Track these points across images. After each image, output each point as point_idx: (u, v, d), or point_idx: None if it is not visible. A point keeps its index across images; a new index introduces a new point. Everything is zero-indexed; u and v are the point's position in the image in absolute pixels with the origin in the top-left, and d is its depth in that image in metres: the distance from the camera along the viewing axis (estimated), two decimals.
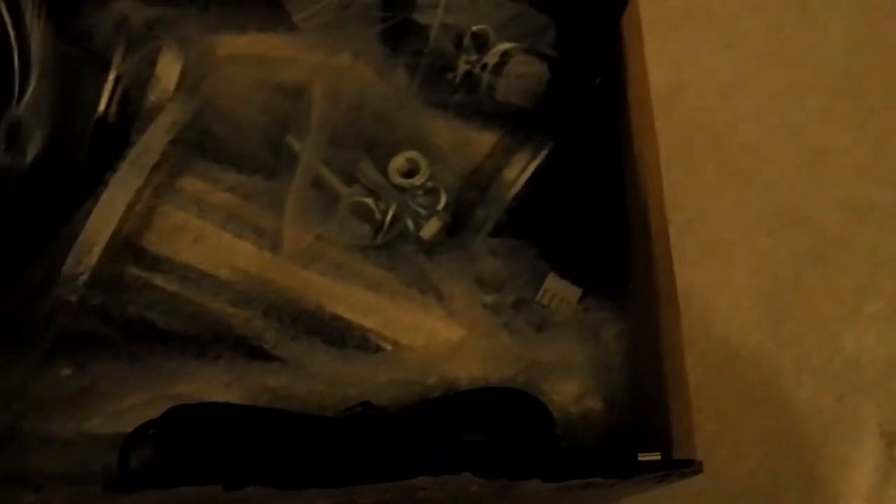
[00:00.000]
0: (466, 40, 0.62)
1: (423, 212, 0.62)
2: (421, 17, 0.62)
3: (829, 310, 0.83)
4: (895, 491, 0.78)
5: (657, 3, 0.65)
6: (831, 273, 0.84)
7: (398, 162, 0.63)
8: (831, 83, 0.93)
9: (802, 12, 0.95)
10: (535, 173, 0.65)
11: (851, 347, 0.82)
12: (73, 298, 0.56)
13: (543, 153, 0.65)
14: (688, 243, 0.63)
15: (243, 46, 0.67)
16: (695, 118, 0.88)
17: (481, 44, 0.63)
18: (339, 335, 0.60)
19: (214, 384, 0.58)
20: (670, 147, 0.60)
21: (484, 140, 0.66)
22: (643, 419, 0.60)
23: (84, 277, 0.56)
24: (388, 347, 0.60)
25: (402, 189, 0.62)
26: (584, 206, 0.64)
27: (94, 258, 0.56)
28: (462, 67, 0.62)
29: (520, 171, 0.65)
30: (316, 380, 0.58)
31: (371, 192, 0.62)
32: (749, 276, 0.83)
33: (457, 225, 0.65)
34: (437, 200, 0.63)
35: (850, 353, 0.82)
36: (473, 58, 0.62)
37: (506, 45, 0.63)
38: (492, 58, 0.62)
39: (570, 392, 0.60)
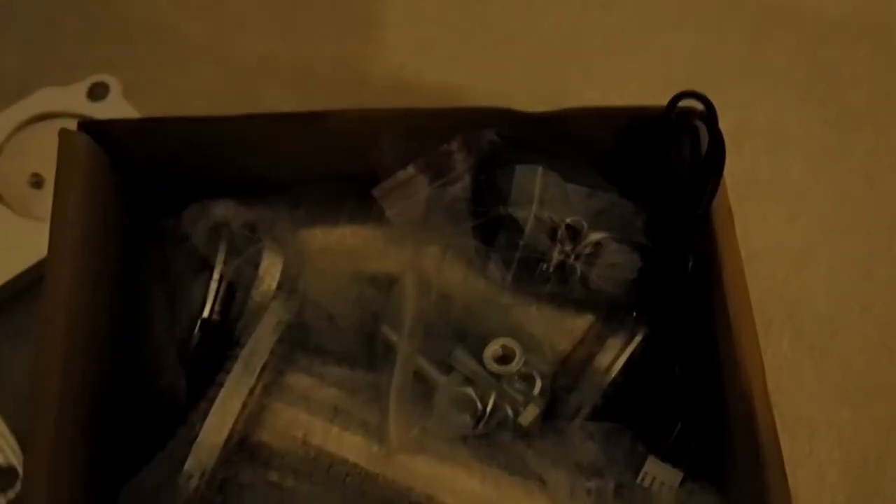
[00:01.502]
0: (561, 232, 0.66)
1: (520, 398, 0.65)
2: (515, 212, 0.65)
3: None
4: None
5: (727, 177, 0.68)
6: None
7: (493, 349, 0.67)
8: None
9: (867, 180, 0.99)
10: (629, 358, 0.68)
11: None
12: (193, 499, 0.59)
13: (637, 338, 0.69)
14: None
15: (335, 240, 0.72)
16: (768, 288, 0.91)
17: (575, 234, 0.66)
18: None
19: None
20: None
21: (577, 326, 0.70)
22: None
23: (204, 478, 0.59)
24: None
25: (498, 376, 0.66)
26: (681, 389, 0.66)
27: (212, 458, 0.59)
28: (556, 258, 0.66)
29: (614, 357, 0.69)
30: None
31: (467, 381, 0.65)
32: (833, 450, 0.85)
33: (552, 411, 0.69)
34: (533, 386, 0.66)
35: None
36: (567, 248, 0.65)
37: (598, 236, 0.66)
38: (585, 248, 0.66)
39: None
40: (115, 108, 0.92)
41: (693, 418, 0.66)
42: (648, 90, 0.84)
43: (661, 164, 0.69)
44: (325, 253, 0.70)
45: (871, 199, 0.99)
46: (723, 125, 0.67)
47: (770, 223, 0.97)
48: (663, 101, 0.69)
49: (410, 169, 0.68)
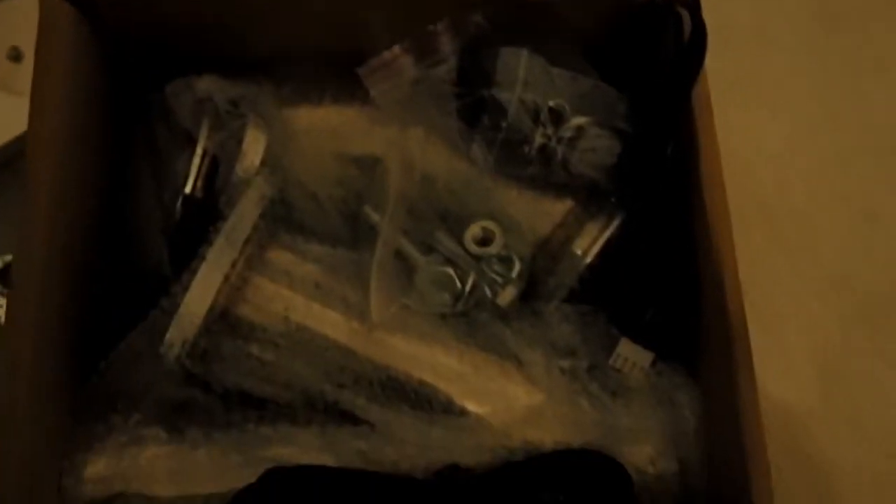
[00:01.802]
0: (543, 115, 0.66)
1: (498, 279, 0.66)
2: (499, 94, 0.66)
3: (881, 371, 0.87)
4: None
5: (710, 73, 0.69)
6: (882, 335, 0.88)
7: (473, 231, 0.68)
8: (879, 148, 0.97)
9: (847, 79, 1.00)
10: (607, 242, 0.70)
11: None
12: (174, 368, 0.60)
13: (615, 223, 0.70)
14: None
15: (319, 119, 0.72)
16: (744, 184, 0.92)
17: (557, 118, 0.67)
18: (426, 401, 0.64)
19: (308, 448, 0.62)
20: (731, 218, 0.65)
21: (556, 210, 0.71)
22: (720, 481, 0.64)
23: (185, 348, 0.60)
24: (472, 412, 0.64)
25: (478, 258, 0.67)
26: (655, 273, 0.67)
27: (194, 329, 0.61)
28: (538, 141, 0.66)
29: (592, 240, 0.70)
30: (404, 443, 0.62)
31: (448, 261, 0.67)
32: (801, 339, 0.88)
33: (530, 292, 0.70)
34: (512, 268, 0.67)
35: None
36: (549, 132, 0.66)
37: (581, 120, 0.67)
38: (567, 132, 0.66)
39: (645, 454, 0.65)
40: None
41: (666, 302, 0.67)
42: None
43: (644, 50, 0.69)
44: (309, 132, 0.71)
45: (852, 98, 1.00)
46: (708, 21, 0.67)
47: (751, 122, 0.98)
48: None
49: (396, 49, 0.68)
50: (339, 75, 0.71)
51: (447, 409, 0.64)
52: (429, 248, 0.68)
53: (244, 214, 0.64)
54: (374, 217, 0.67)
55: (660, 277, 0.68)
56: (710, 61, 0.67)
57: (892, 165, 0.97)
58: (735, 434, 0.60)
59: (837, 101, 1.00)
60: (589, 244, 0.70)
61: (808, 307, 0.90)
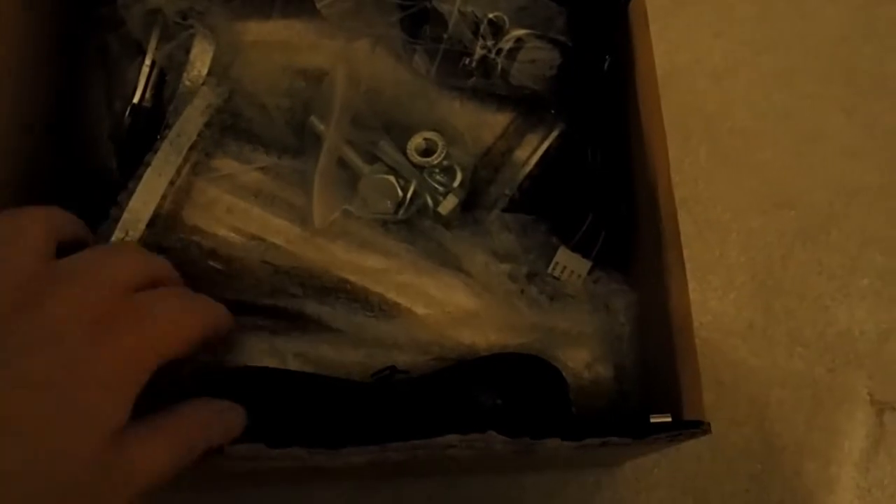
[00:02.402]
0: (483, 27, 0.68)
1: (440, 189, 0.68)
2: (439, 5, 0.67)
3: (820, 286, 0.90)
4: (885, 457, 0.84)
5: None
6: (821, 251, 0.91)
7: (416, 141, 0.69)
8: (823, 68, 0.99)
9: (794, 1, 1.01)
10: (546, 153, 0.72)
11: (843, 321, 0.89)
12: None
13: (554, 134, 0.72)
14: (683, 222, 0.69)
15: (268, 32, 0.73)
16: (688, 102, 0.94)
17: (496, 30, 0.68)
18: (366, 304, 0.66)
19: (251, 349, 0.64)
20: (667, 130, 0.66)
21: (497, 122, 0.73)
22: (652, 384, 0.66)
23: None
24: (410, 312, 0.66)
25: (420, 167, 0.68)
26: (593, 183, 0.69)
27: (138, 233, 0.62)
28: (478, 53, 0.68)
29: (531, 151, 0.72)
30: (343, 343, 0.65)
31: (391, 170, 0.68)
32: (742, 254, 0.90)
33: (472, 202, 0.72)
34: (454, 178, 0.69)
35: (842, 327, 0.89)
36: (489, 43, 0.68)
37: (520, 32, 0.68)
38: (506, 44, 0.68)
39: (581, 359, 0.67)
40: None
41: (604, 211, 0.68)
42: None
43: None
44: (257, 44, 0.71)
45: (795, 16, 1.01)
46: None
47: (694, 39, 0.99)
48: None
49: None
50: None
51: (386, 311, 0.66)
52: (373, 158, 0.69)
53: (189, 121, 0.65)
54: (320, 127, 0.68)
55: (597, 187, 0.70)
56: None
57: (835, 86, 0.99)
58: (667, 340, 0.61)
59: (782, 20, 1.02)
60: (529, 154, 0.71)
61: (750, 223, 0.92)
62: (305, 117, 0.70)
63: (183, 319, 0.51)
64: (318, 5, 0.70)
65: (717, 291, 0.88)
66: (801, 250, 0.91)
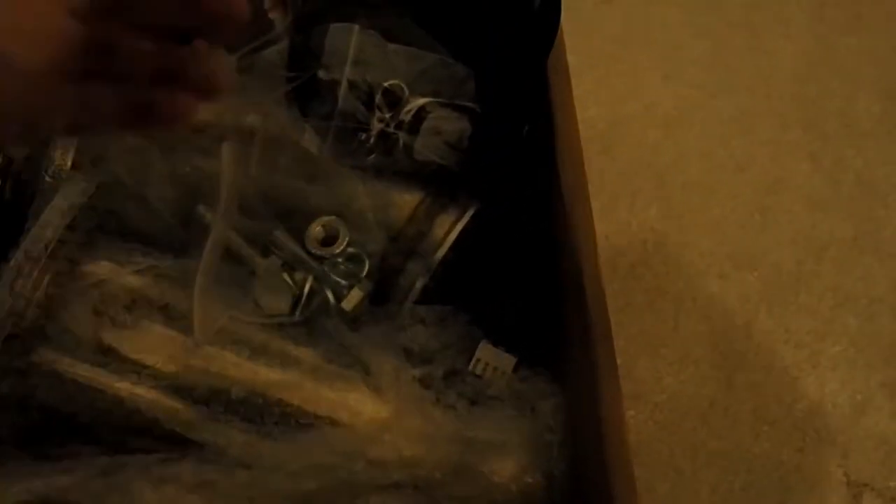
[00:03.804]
0: (378, 98, 0.61)
1: (343, 282, 0.61)
2: (327, 75, 0.61)
3: (788, 356, 0.83)
4: None
5: (593, 32, 0.64)
6: (789, 316, 0.85)
7: (314, 230, 0.63)
8: (783, 111, 0.94)
9: (749, 36, 0.96)
10: (461, 235, 0.66)
11: (813, 394, 0.83)
12: None
13: (469, 213, 0.66)
14: (633, 291, 0.63)
15: None
16: (637, 156, 0.88)
17: (395, 100, 0.62)
18: (258, 416, 0.60)
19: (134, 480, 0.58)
20: (613, 187, 0.60)
21: (405, 202, 0.67)
22: (585, 494, 0.61)
23: None
24: (312, 428, 0.60)
25: (321, 258, 0.62)
26: (515, 269, 0.64)
27: None
28: (376, 127, 0.61)
29: (444, 233, 0.66)
30: (234, 467, 0.58)
31: (288, 264, 0.62)
32: (699, 324, 0.83)
33: (381, 294, 0.66)
34: (361, 268, 0.63)
35: (812, 401, 0.82)
36: (387, 116, 0.61)
37: (421, 101, 0.62)
38: (407, 115, 0.62)
39: (507, 470, 0.60)
40: None
41: (527, 300, 0.63)
42: None
43: (493, 18, 0.64)
44: None
45: (750, 54, 0.96)
46: None
47: (641, 85, 0.93)
48: None
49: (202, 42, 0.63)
50: None
51: (282, 425, 0.60)
52: (267, 250, 0.62)
53: (48, 226, 0.59)
54: (209, 217, 0.62)
55: (518, 273, 0.64)
56: (593, 19, 0.63)
57: (797, 130, 0.93)
58: (598, 446, 0.57)
59: (736, 59, 0.96)
60: (441, 237, 0.65)
61: (707, 289, 0.85)
62: (193, 207, 0.63)
63: None
64: None
65: (672, 367, 0.82)
66: (766, 316, 0.85)
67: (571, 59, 0.65)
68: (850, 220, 0.90)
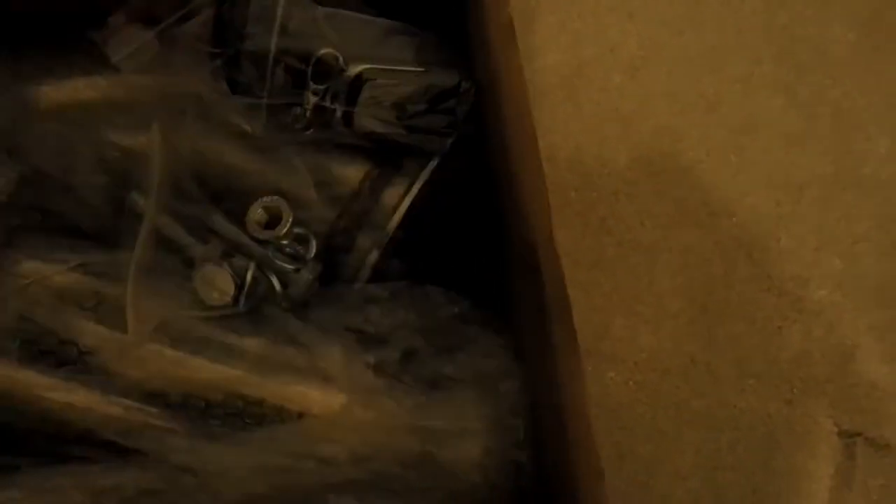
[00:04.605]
0: (310, 69, 0.57)
1: (288, 266, 0.58)
2: (254, 46, 0.57)
3: (770, 304, 0.80)
4: (860, 498, 0.74)
5: None
6: (770, 262, 0.81)
7: (256, 212, 0.59)
8: (753, 44, 0.89)
9: None
10: (409, 209, 0.62)
11: (798, 343, 0.79)
12: None
13: (416, 185, 0.62)
14: (605, 245, 0.59)
15: (67, 95, 0.63)
16: (602, 101, 0.84)
17: (328, 70, 0.57)
18: (201, 418, 0.57)
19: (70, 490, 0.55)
20: (579, 137, 0.56)
21: (349, 175, 0.63)
22: (550, 479, 0.58)
23: None
24: (259, 427, 0.56)
25: (264, 242, 0.58)
26: (465, 241, 0.60)
27: None
28: (311, 99, 0.57)
29: (394, 206, 0.62)
30: (179, 473, 0.55)
31: (228, 250, 0.58)
32: (676, 277, 0.79)
33: (329, 274, 0.62)
34: (307, 249, 0.59)
35: (797, 350, 0.79)
36: (322, 87, 0.57)
37: (358, 67, 0.58)
38: (342, 86, 0.57)
39: (469, 458, 0.57)
40: None
41: (479, 274, 0.59)
42: None
43: None
44: (54, 112, 0.61)
45: None
46: None
47: (604, 25, 0.88)
48: None
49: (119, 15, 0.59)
50: (90, 44, 0.63)
51: (228, 424, 0.57)
52: (205, 235, 0.59)
53: None
54: (141, 203, 0.58)
55: (469, 245, 0.60)
56: None
57: (769, 63, 0.88)
58: (560, 432, 0.53)
59: None
60: (390, 211, 0.61)
61: (683, 239, 0.81)
62: (123, 194, 0.59)
63: None
64: (113, 59, 0.60)
65: (649, 324, 0.78)
66: (746, 264, 0.81)
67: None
68: (828, 156, 0.86)
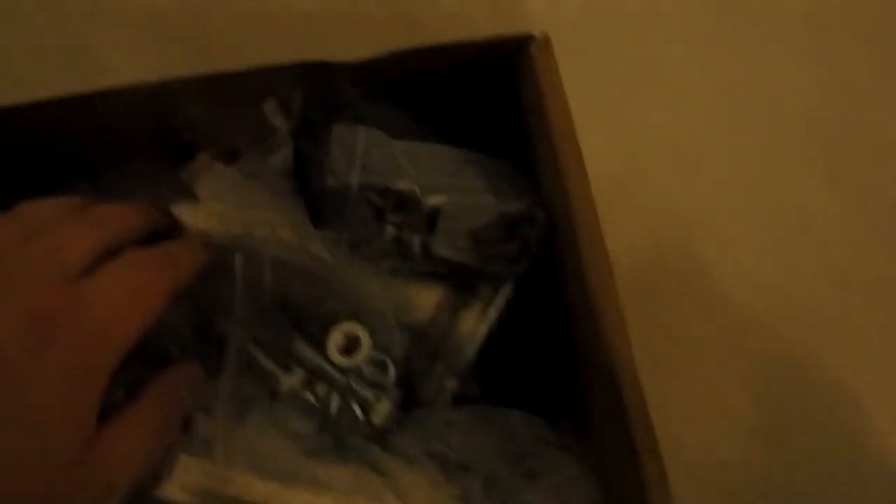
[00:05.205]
0: (389, 202, 0.59)
1: (370, 394, 0.59)
2: (335, 181, 0.58)
3: None
4: None
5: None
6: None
7: (336, 338, 0.61)
8: (799, 137, 0.89)
9: (755, 61, 0.91)
10: (487, 333, 0.63)
11: None
12: None
13: (493, 310, 0.64)
14: (670, 354, 0.59)
15: None
16: (659, 205, 0.84)
17: (407, 202, 0.59)
18: None
19: None
20: (635, 242, 0.56)
21: (426, 300, 0.65)
22: None
23: None
24: None
25: (344, 370, 0.60)
26: (541, 367, 0.63)
27: None
28: (390, 232, 0.59)
29: (470, 330, 0.64)
30: None
31: (309, 379, 0.60)
32: (745, 386, 0.79)
33: (411, 399, 0.63)
34: (385, 374, 0.60)
35: None
36: (400, 219, 0.59)
37: (435, 199, 0.60)
38: (420, 218, 0.59)
39: None
40: None
41: (555, 400, 0.60)
42: None
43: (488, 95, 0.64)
44: None
45: (762, 84, 0.91)
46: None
47: (654, 130, 0.89)
48: None
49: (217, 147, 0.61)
50: (171, 178, 0.65)
51: None
52: (289, 362, 0.60)
53: None
54: (226, 329, 0.60)
55: (545, 372, 0.62)
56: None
57: (820, 155, 0.88)
58: None
59: (746, 89, 0.91)
60: (466, 338, 0.62)
61: (749, 344, 0.81)
62: (206, 319, 0.61)
63: (136, 298, 0.48)
64: (201, 196, 0.62)
65: (723, 451, 0.78)
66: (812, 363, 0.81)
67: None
68: (891, 255, 0.85)
